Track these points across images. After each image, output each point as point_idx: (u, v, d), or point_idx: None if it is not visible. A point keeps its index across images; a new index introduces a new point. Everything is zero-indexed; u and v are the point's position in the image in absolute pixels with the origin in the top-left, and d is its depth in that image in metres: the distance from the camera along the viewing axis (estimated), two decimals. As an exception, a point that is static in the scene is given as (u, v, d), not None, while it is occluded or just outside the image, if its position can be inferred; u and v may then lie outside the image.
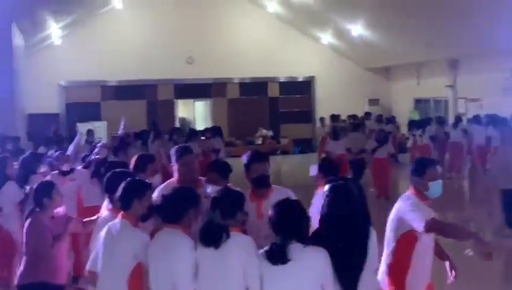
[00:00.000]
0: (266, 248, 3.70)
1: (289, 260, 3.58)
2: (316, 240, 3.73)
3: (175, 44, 23.45)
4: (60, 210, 5.65)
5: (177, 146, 5.36)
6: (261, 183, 4.69)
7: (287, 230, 3.63)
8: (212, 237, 3.79)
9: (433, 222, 4.22)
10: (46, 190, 5.51)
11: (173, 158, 5.09)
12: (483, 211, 12.47)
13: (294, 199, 4.11)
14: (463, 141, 16.95)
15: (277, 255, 3.60)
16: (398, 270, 4.47)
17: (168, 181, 5.13)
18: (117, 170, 5.08)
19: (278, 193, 4.56)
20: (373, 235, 3.91)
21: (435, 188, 4.49)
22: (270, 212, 3.77)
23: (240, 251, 3.74)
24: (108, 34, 23.07)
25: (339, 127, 17.57)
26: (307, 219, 3.76)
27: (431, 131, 17.42)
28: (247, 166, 4.77)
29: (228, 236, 3.77)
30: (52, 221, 5.49)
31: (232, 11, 24.39)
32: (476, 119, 17.19)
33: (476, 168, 16.64)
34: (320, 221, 3.90)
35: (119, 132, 14.73)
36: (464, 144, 16.98)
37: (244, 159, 4.84)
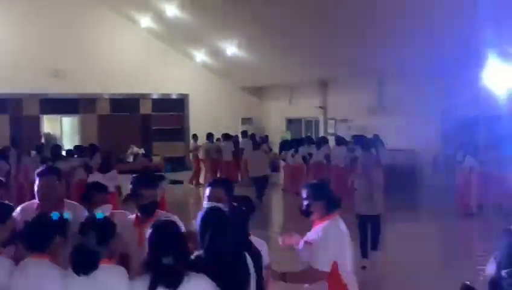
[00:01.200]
0: (148, 272, 3.39)
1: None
2: (195, 265, 3.51)
3: (41, 57, 22.36)
4: None
5: (40, 166, 4.98)
6: (150, 210, 4.45)
7: (177, 251, 3.38)
8: (83, 263, 3.46)
9: None
10: None
11: (36, 179, 4.75)
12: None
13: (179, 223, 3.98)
14: (324, 162, 17.34)
15: (171, 277, 3.32)
16: None
17: (27, 203, 4.80)
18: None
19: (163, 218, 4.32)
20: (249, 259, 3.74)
21: None
22: (149, 233, 3.49)
23: (112, 284, 3.46)
24: (-32, 43, 21.62)
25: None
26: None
27: (303, 151, 17.70)
28: (135, 191, 4.51)
29: (99, 261, 3.47)
30: None
31: (103, 25, 23.69)
32: (338, 140, 17.64)
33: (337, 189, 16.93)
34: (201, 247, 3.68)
35: None
36: (324, 165, 17.37)
37: (131, 183, 4.58)
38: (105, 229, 3.63)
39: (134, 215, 4.56)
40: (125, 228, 4.32)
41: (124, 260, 4.15)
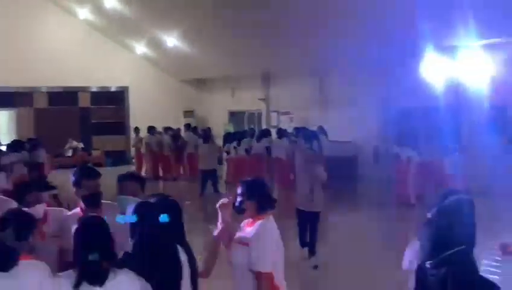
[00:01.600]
0: (75, 269, 3.31)
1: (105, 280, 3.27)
2: (126, 262, 3.47)
3: (-26, 48, 21.60)
4: None
5: None
6: (94, 201, 4.39)
7: (104, 247, 3.31)
8: (1, 260, 3.33)
9: None
10: None
11: None
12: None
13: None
14: (264, 154, 17.38)
15: (96, 273, 3.26)
16: None
17: None
18: None
19: (110, 208, 4.30)
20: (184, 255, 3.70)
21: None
22: (75, 229, 3.42)
23: (33, 280, 3.33)
24: None
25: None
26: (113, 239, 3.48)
27: (246, 144, 17.69)
28: (78, 183, 4.43)
29: (17, 258, 3.35)
30: None
31: (40, 17, 23.05)
32: (279, 132, 17.69)
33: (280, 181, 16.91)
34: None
35: None
36: (264, 157, 17.40)
37: (72, 175, 4.49)
38: (23, 224, 3.54)
39: (78, 209, 4.47)
40: (68, 224, 4.22)
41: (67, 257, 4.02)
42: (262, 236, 4.18)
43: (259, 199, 4.30)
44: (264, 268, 4.11)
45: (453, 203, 3.65)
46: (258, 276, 4.10)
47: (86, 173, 4.51)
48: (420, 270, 3.18)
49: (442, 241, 3.06)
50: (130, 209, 3.68)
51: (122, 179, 4.51)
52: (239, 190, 4.40)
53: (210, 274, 4.21)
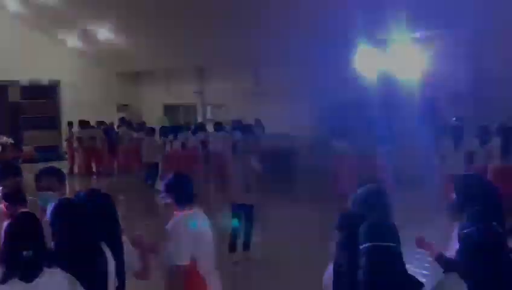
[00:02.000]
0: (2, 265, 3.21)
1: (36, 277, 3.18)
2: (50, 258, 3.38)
3: None
4: None
5: None
6: (16, 199, 4.33)
7: (37, 245, 3.24)
8: None
9: None
10: None
11: None
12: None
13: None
14: (200, 148, 17.31)
15: (29, 271, 3.18)
16: None
17: None
18: None
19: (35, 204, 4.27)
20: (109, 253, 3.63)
21: None
22: (8, 225, 3.34)
23: None
24: None
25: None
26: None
27: (182, 138, 17.55)
28: None
29: None
30: None
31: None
32: (216, 125, 17.65)
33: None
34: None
35: None
36: (199, 151, 17.33)
37: None
38: None
39: (2, 206, 4.39)
40: None
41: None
42: (174, 230, 4.20)
43: (177, 194, 4.34)
44: (177, 261, 4.13)
45: (364, 192, 3.70)
46: (172, 269, 4.13)
47: (5, 171, 4.48)
48: (337, 265, 3.14)
49: (356, 232, 2.98)
50: (50, 206, 3.58)
51: (39, 174, 4.42)
52: (161, 186, 4.42)
53: (150, 276, 4.15)
